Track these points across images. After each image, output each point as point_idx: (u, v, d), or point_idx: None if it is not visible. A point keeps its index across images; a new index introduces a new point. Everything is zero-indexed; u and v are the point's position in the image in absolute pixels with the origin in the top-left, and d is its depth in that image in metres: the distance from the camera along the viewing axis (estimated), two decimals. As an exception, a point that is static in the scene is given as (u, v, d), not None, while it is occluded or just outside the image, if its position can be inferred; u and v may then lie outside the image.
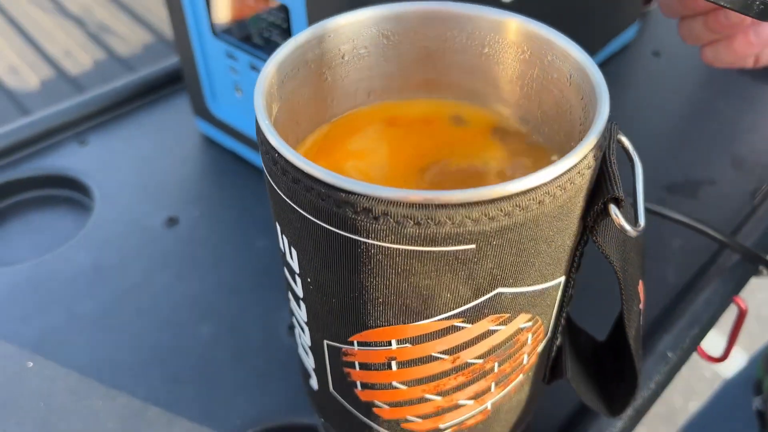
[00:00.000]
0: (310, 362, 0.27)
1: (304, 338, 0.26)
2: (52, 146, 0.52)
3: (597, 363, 0.31)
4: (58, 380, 0.37)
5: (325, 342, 0.24)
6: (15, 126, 0.52)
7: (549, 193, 0.19)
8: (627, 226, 0.21)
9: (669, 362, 0.36)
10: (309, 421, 0.35)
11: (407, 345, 0.22)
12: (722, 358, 0.47)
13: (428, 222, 0.18)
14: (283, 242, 0.23)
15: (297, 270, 0.23)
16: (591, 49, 0.56)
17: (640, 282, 0.26)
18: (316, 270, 0.22)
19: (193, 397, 0.36)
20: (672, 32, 0.66)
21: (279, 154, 0.20)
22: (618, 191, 0.21)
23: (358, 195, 0.18)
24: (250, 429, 0.35)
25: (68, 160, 0.51)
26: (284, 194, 0.20)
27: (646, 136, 0.53)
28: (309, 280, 0.23)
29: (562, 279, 0.23)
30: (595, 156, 0.20)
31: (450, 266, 0.19)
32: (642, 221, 0.22)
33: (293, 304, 0.25)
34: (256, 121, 0.21)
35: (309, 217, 0.20)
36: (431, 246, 0.19)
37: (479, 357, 0.23)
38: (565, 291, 0.24)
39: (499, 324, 0.22)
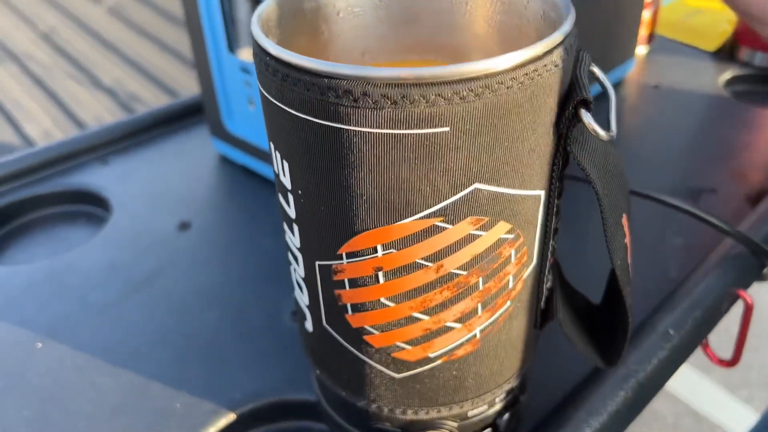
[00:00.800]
0: (304, 299, 0.28)
1: (298, 271, 0.27)
2: (76, 166, 0.55)
3: (591, 320, 0.31)
4: (65, 360, 0.38)
5: (317, 264, 0.25)
6: (42, 147, 0.55)
7: (516, 79, 0.20)
8: (599, 129, 0.23)
9: (671, 340, 0.36)
10: (308, 396, 0.35)
11: (392, 250, 0.23)
12: (733, 361, 0.46)
13: (404, 101, 0.20)
14: (277, 161, 0.24)
15: (289, 186, 0.24)
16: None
17: (624, 216, 0.27)
18: (305, 177, 0.23)
19: (196, 375, 0.37)
20: (670, 69, 0.68)
21: (270, 56, 0.21)
22: (586, 94, 0.22)
23: (339, 78, 0.20)
24: (251, 403, 0.35)
25: (90, 177, 0.54)
26: (275, 98, 0.22)
27: (649, 153, 0.54)
28: (300, 192, 0.24)
29: (542, 193, 0.24)
30: (561, 57, 0.22)
31: (427, 154, 0.21)
32: (614, 128, 0.23)
33: (288, 234, 0.27)
34: (253, 38, 0.23)
35: (297, 114, 0.21)
36: (408, 128, 0.20)
37: (462, 267, 0.24)
38: (547, 213, 0.25)
39: (479, 228, 0.23)
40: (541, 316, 0.29)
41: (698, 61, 0.69)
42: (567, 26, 0.22)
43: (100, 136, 0.57)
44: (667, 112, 0.60)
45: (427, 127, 0.20)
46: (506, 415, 0.30)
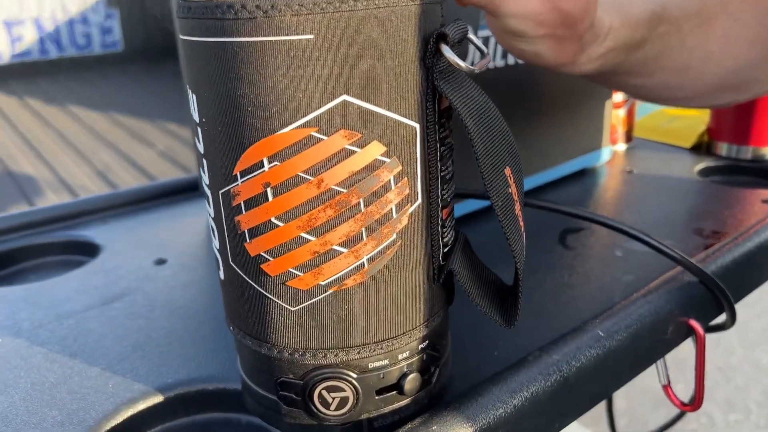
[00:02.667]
0: (216, 244, 0.30)
1: (210, 212, 0.30)
2: (78, 224, 0.60)
3: (501, 294, 0.32)
4: (19, 350, 0.40)
5: (220, 193, 0.28)
6: (54, 204, 0.61)
7: (371, 1, 0.24)
8: (458, 60, 0.26)
9: (600, 340, 0.36)
10: (236, 386, 0.36)
11: (276, 163, 0.26)
12: (695, 405, 0.44)
13: (273, 11, 0.24)
14: (191, 101, 0.28)
15: (197, 119, 0.28)
16: (554, 159, 0.63)
17: (508, 169, 0.29)
18: (206, 103, 0.27)
19: (137, 365, 0.38)
20: (647, 159, 0.72)
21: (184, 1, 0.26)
22: (447, 31, 0.26)
23: (224, -3, 0.24)
24: (180, 388, 0.36)
25: (88, 231, 0.59)
26: (184, 34, 0.27)
27: (614, 213, 0.56)
28: (204, 120, 0.27)
29: (417, 126, 0.27)
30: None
31: (297, 60, 0.24)
32: (476, 67, 0.27)
33: (202, 175, 0.30)
34: (177, -2, 0.28)
35: (197, 39, 0.26)
36: (277, 35, 0.24)
37: (342, 185, 0.26)
38: (428, 151, 0.28)
39: (354, 144, 0.26)
40: (439, 269, 0.30)
41: (674, 154, 0.73)
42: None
43: (104, 200, 0.63)
44: (637, 191, 0.63)
45: (294, 34, 0.24)
46: (410, 376, 0.30)
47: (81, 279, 0.49)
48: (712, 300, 0.43)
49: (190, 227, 0.58)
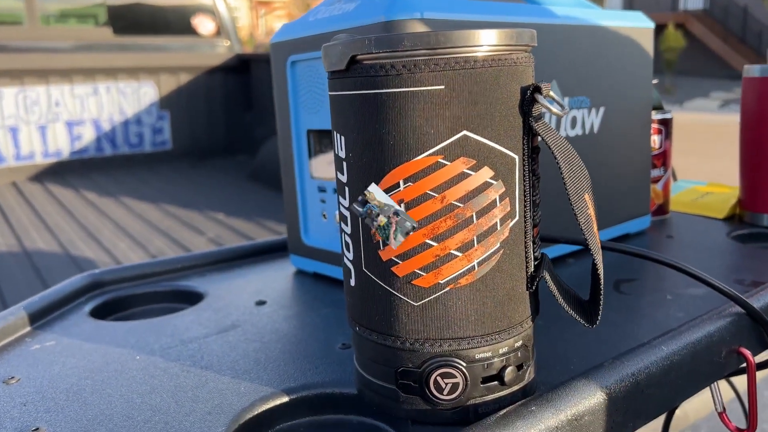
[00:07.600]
0: (349, 256, 0.37)
1: (346, 231, 0.37)
2: (183, 275, 0.68)
3: (581, 303, 0.38)
4: (157, 363, 0.46)
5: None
6: (162, 259, 0.69)
7: (486, 62, 0.33)
8: (550, 106, 0.34)
9: (665, 354, 0.42)
10: (350, 390, 0.42)
11: (410, 183, 0.34)
12: (750, 429, 0.49)
13: (415, 69, 0.32)
14: (337, 142, 0.37)
15: (343, 155, 0.36)
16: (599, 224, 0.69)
17: (587, 194, 0.37)
18: (354, 140, 0.35)
19: (260, 374, 0.44)
20: (683, 227, 0.78)
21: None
22: (540, 84, 0.34)
23: (378, 57, 0.33)
24: (302, 392, 0.42)
25: (191, 282, 0.66)
26: (341, 90, 0.35)
27: (663, 270, 0.62)
28: (350, 155, 0.36)
29: (516, 157, 0.35)
30: (516, 59, 0.34)
31: (431, 105, 0.33)
32: (562, 111, 0.35)
33: (341, 199, 0.37)
34: (334, 60, 0.37)
35: (352, 92, 0.34)
36: (418, 86, 0.33)
37: (460, 200, 0.34)
38: (524, 178, 0.35)
39: (470, 168, 0.33)
40: (531, 278, 0.37)
41: (709, 222, 0.79)
42: (518, 46, 0.35)
43: (204, 257, 0.71)
44: (679, 250, 0.69)
45: (430, 85, 0.33)
46: (509, 369, 0.36)
47: (195, 315, 0.56)
48: (761, 334, 0.49)
49: (282, 277, 0.66)
